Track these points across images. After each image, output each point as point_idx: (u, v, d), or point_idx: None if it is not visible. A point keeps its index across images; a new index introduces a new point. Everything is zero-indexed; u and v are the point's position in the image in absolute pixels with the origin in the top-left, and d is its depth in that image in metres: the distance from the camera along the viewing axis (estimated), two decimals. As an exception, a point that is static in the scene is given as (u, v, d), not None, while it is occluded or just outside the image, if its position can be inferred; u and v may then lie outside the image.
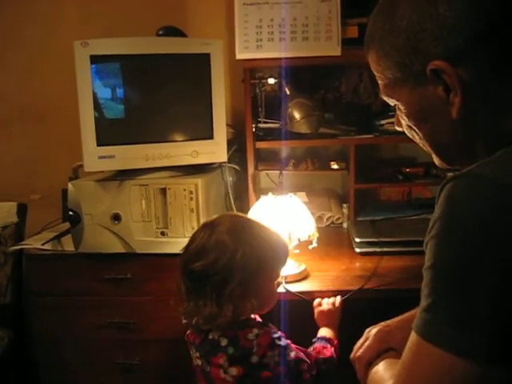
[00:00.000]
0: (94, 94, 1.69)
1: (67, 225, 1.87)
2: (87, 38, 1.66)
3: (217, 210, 1.92)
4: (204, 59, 1.77)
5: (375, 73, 0.89)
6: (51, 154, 2.50)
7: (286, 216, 1.65)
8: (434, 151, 0.89)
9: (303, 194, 2.16)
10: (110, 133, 1.74)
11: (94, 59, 1.67)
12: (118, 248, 1.80)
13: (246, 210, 1.97)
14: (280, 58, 1.93)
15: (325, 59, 1.95)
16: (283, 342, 1.28)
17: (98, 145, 1.71)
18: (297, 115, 1.94)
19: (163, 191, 1.75)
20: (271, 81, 2.02)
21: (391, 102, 0.90)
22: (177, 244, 1.76)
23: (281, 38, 1.92)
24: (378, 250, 1.82)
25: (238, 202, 2.14)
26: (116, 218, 1.77)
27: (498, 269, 0.62)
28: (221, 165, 1.99)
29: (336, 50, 1.93)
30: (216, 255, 1.23)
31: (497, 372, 0.64)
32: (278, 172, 1.95)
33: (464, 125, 0.79)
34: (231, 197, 2.02)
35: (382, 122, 2.06)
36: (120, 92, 1.74)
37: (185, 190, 1.73)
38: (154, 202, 1.76)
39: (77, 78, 1.66)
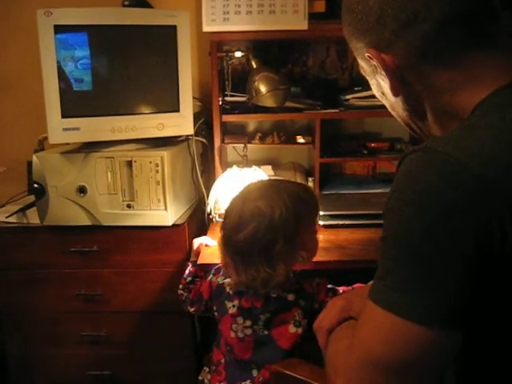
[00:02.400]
0: (60, 65, 1.66)
1: (32, 197, 1.86)
2: (51, 7, 1.63)
3: (183, 182, 1.93)
4: (170, 31, 1.76)
5: None
6: (16, 126, 2.45)
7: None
8: (401, 123, 0.95)
9: (269, 167, 2.18)
10: (75, 104, 1.72)
11: (58, 29, 1.64)
12: (84, 220, 1.80)
13: (212, 182, 1.99)
14: (247, 31, 1.93)
15: (292, 33, 1.95)
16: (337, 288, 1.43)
17: (63, 117, 1.68)
18: (263, 89, 1.94)
19: (129, 164, 1.75)
20: (238, 54, 2.02)
21: None
22: (143, 216, 1.77)
23: (248, 11, 1.92)
24: (341, 222, 1.86)
25: (204, 174, 2.15)
26: (81, 190, 1.76)
27: (447, 240, 0.65)
28: (187, 138, 1.99)
29: (303, 24, 1.93)
30: (255, 223, 1.28)
31: (452, 337, 0.67)
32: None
33: (411, 104, 0.86)
34: (198, 170, 2.02)
35: (348, 96, 2.08)
36: (86, 63, 1.70)
37: (151, 162, 1.73)
38: (119, 175, 1.76)
39: (40, 48, 1.63)
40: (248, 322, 1.37)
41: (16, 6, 2.34)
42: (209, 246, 1.76)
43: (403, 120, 0.92)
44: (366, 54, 0.83)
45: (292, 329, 1.35)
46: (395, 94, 0.84)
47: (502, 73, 0.75)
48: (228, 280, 1.43)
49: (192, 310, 1.57)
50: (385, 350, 0.69)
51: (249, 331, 1.37)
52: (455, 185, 0.65)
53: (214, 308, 1.46)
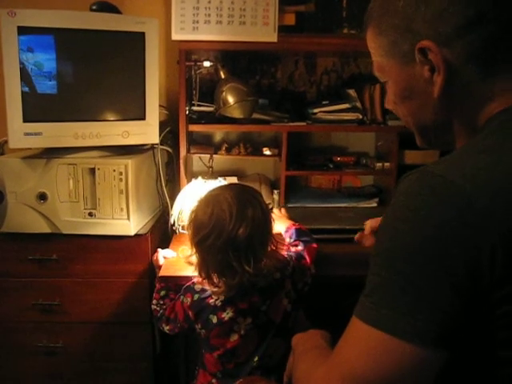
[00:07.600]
0: (23, 68, 1.62)
1: (-10, 203, 1.80)
2: (15, 8, 1.59)
3: (147, 192, 1.90)
4: (138, 38, 1.74)
5: (371, 50, 0.91)
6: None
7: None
8: (415, 129, 0.92)
9: (234, 178, 2.17)
10: (37, 109, 1.68)
11: (22, 30, 1.60)
12: (44, 228, 1.75)
13: (176, 192, 1.96)
14: (216, 41, 1.93)
15: (261, 45, 1.95)
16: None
17: (25, 121, 1.64)
18: (231, 100, 1.93)
19: (92, 171, 1.71)
20: (207, 64, 2.00)
21: (382, 78, 0.92)
22: (105, 225, 1.73)
23: (217, 21, 1.91)
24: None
25: (169, 184, 2.12)
26: (42, 197, 1.72)
27: (437, 259, 0.65)
28: (153, 146, 1.97)
29: (272, 37, 1.94)
30: (251, 211, 1.34)
31: (438, 355, 0.67)
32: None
33: (443, 106, 0.82)
34: (162, 179, 2.00)
35: (316, 110, 2.09)
36: (50, 67, 1.66)
37: (114, 170, 1.70)
38: (82, 182, 1.72)
39: (2, 49, 1.58)
40: (249, 320, 1.38)
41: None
42: (167, 258, 1.73)
43: (425, 124, 0.88)
44: (419, 47, 0.78)
45: (285, 301, 1.42)
46: (438, 92, 0.79)
47: None
48: (208, 293, 1.40)
49: (167, 328, 1.53)
50: (370, 367, 0.68)
51: (251, 326, 1.39)
52: (449, 207, 0.65)
53: (199, 326, 1.42)
